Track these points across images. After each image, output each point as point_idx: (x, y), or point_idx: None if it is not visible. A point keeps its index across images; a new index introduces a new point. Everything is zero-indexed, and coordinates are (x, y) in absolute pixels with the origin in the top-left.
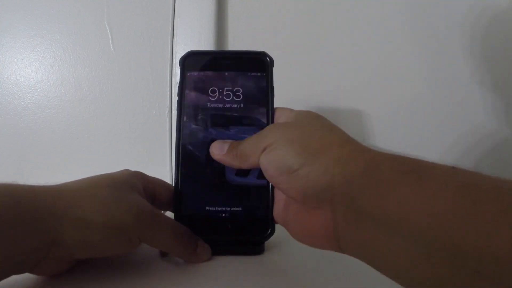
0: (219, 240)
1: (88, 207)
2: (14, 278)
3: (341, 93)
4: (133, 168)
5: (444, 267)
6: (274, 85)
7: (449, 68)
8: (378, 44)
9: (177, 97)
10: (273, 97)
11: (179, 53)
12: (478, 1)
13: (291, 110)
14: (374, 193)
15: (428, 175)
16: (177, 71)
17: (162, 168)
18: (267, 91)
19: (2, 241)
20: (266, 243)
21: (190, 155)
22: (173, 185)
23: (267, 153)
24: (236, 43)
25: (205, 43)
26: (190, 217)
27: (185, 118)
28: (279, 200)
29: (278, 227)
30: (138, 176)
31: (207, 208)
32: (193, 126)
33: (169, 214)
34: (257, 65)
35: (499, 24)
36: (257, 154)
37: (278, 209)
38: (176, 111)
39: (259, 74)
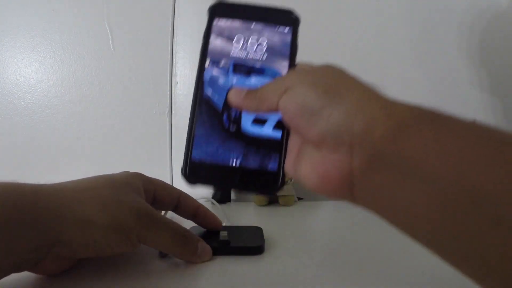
0: (227, 187)
1: (89, 207)
2: (14, 277)
3: None
4: (133, 167)
5: (463, 213)
6: (298, 43)
7: (450, 67)
8: (378, 44)
9: (202, 41)
10: (296, 53)
11: (179, 53)
12: (478, 1)
13: (312, 64)
14: (394, 137)
15: (449, 122)
16: (177, 71)
17: (162, 168)
18: (291, 47)
19: (3, 239)
20: (266, 243)
21: (208, 101)
22: (187, 128)
23: (288, 94)
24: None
25: None
26: (200, 161)
27: (207, 64)
28: (291, 150)
29: (275, 231)
30: (139, 177)
31: (219, 155)
32: (214, 72)
33: (170, 214)
34: (284, 21)
35: (499, 24)
36: (276, 96)
37: (289, 160)
38: (199, 56)
39: (286, 30)
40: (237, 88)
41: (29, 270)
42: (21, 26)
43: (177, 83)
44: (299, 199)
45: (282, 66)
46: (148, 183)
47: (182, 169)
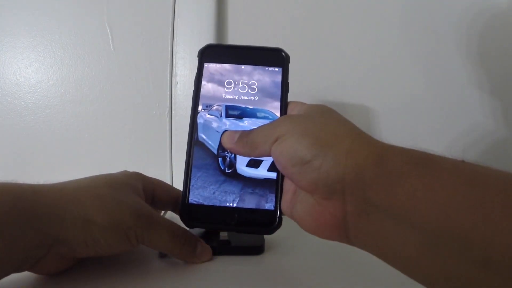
0: (224, 230)
1: (89, 206)
2: (14, 277)
3: (344, 90)
4: (133, 168)
5: (452, 258)
6: (289, 81)
7: (450, 67)
8: (378, 44)
9: (193, 88)
10: (288, 92)
11: (179, 53)
12: (478, 1)
13: (303, 103)
14: (384, 185)
15: (437, 167)
16: (177, 71)
17: (162, 168)
18: (282, 86)
19: (2, 239)
20: (266, 243)
21: (203, 144)
22: (184, 173)
23: (279, 144)
24: (236, 43)
25: (205, 43)
26: (197, 204)
27: (199, 108)
28: (287, 191)
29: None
30: (138, 177)
31: (216, 197)
32: (208, 116)
33: (169, 214)
34: (273, 60)
35: (499, 24)
36: (268, 144)
37: (285, 201)
38: (192, 101)
39: (276, 69)
40: (230, 132)
41: (29, 270)
42: (21, 26)
43: (177, 83)
44: None
45: (274, 107)
46: (147, 183)
47: (180, 213)
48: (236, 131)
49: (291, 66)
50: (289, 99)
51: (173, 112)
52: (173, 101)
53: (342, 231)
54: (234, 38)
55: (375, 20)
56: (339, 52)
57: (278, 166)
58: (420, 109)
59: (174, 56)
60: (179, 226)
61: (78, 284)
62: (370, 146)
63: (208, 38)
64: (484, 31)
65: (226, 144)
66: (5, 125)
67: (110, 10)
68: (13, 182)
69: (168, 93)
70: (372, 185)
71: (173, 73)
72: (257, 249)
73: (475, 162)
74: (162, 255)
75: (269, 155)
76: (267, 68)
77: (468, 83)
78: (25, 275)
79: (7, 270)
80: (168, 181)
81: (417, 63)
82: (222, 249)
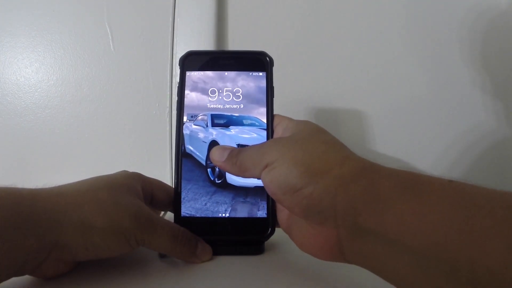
0: (219, 241)
1: (88, 209)
2: (14, 279)
3: (341, 93)
4: (133, 168)
5: (441, 280)
6: (274, 85)
7: (448, 69)
8: (378, 44)
9: (176, 97)
10: (273, 97)
11: (179, 53)
12: (479, 2)
13: (290, 119)
14: (374, 210)
15: (425, 190)
16: (177, 71)
17: (162, 168)
18: (267, 91)
19: (3, 243)
20: (266, 243)
21: (190, 156)
22: (173, 185)
23: (269, 171)
24: (236, 43)
25: (205, 43)
26: (190, 217)
27: (185, 119)
28: (282, 209)
29: (277, 229)
30: (136, 178)
31: (207, 209)
32: (193, 126)
33: (169, 215)
34: (257, 65)
35: (498, 25)
36: (258, 170)
37: (283, 217)
38: (176, 112)
39: (260, 74)
40: (219, 149)
41: (30, 274)
42: (21, 26)
43: (177, 83)
44: None
45: (260, 113)
46: (146, 184)
47: None
48: (225, 148)
49: (293, 65)
50: (280, 105)
51: (173, 112)
52: (173, 101)
53: (337, 253)
54: (234, 38)
55: (375, 22)
56: (339, 53)
57: (269, 192)
58: (420, 110)
59: (174, 56)
60: (179, 227)
61: (78, 284)
62: (360, 171)
63: (208, 38)
64: (485, 32)
65: (215, 161)
66: (5, 125)
67: (110, 10)
68: (12, 186)
69: (168, 93)
70: (362, 212)
71: (173, 73)
72: (257, 249)
73: (462, 181)
74: (162, 255)
75: (258, 178)
76: (251, 73)
77: (468, 83)
78: (24, 278)
79: (7, 274)
80: (168, 181)
81: (415, 64)
82: (222, 249)
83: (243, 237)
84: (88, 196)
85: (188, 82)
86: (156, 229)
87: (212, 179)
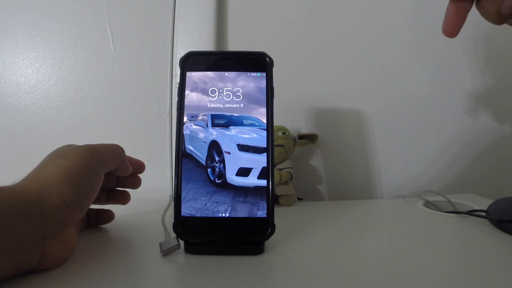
0: (219, 241)
1: (51, 169)
2: (15, 277)
3: (341, 93)
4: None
5: None
6: (274, 85)
7: (448, 69)
8: (378, 45)
9: (177, 98)
10: (273, 97)
11: (179, 53)
12: None
13: None
14: None
15: None
16: (177, 71)
17: (162, 168)
18: (267, 92)
19: (8, 232)
20: (266, 243)
21: (191, 156)
22: (173, 185)
23: None
24: (236, 43)
25: (205, 43)
26: (190, 217)
27: (185, 119)
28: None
29: (275, 230)
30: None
31: (208, 208)
32: (193, 126)
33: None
34: (257, 65)
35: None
36: None
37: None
38: (176, 112)
39: (259, 74)
40: None
41: (38, 266)
42: (21, 26)
43: (177, 83)
44: (299, 199)
45: (260, 113)
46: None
47: (173, 226)
48: None
49: (293, 65)
50: (279, 104)
51: (173, 112)
52: (173, 101)
53: None
54: (234, 38)
55: (375, 22)
56: (339, 53)
57: None
58: (419, 110)
59: (174, 57)
60: (119, 146)
61: (78, 283)
62: None
63: (208, 38)
64: (486, 32)
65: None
66: (5, 125)
67: (110, 11)
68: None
69: (168, 93)
70: None
71: (173, 73)
72: (257, 249)
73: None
74: (164, 254)
75: None
76: (251, 74)
77: (469, 83)
78: (25, 276)
79: (13, 270)
80: (168, 181)
81: (416, 63)
82: (222, 249)
83: (243, 237)
84: (49, 163)
85: (188, 83)
86: (107, 157)
87: (212, 179)
